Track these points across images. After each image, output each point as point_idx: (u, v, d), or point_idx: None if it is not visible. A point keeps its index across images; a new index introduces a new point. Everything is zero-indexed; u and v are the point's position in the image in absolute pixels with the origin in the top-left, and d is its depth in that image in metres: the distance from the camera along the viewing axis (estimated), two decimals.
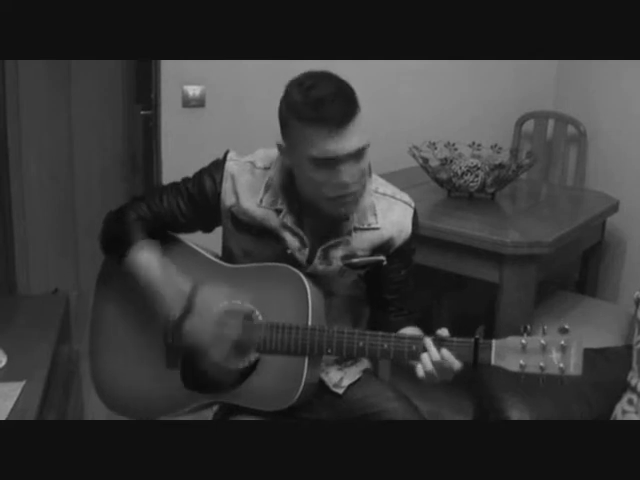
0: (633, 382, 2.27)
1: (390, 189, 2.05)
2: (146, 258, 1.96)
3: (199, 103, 3.56)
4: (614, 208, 3.34)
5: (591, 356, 2.33)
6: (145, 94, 3.76)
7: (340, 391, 2.12)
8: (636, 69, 3.39)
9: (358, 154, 1.81)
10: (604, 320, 3.01)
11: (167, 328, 2.02)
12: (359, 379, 2.15)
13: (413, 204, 2.06)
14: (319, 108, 1.75)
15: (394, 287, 2.08)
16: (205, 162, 2.06)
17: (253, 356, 1.95)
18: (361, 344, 1.90)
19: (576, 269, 3.59)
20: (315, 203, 1.90)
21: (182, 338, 1.95)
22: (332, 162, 1.78)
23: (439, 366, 1.81)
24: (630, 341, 2.44)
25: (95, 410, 2.14)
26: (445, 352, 1.81)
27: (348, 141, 1.78)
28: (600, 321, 2.98)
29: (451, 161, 3.18)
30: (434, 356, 1.81)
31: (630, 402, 2.25)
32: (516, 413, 2.20)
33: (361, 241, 2.00)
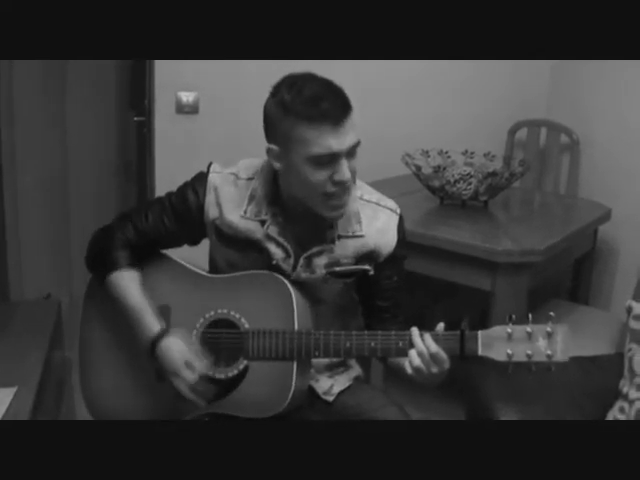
0: (625, 390, 2.27)
1: (375, 196, 2.05)
2: (125, 283, 1.98)
3: (193, 109, 3.57)
4: (606, 216, 3.35)
5: (583, 364, 2.35)
6: (139, 100, 3.76)
7: (330, 399, 2.11)
8: (629, 78, 3.40)
9: (353, 150, 1.83)
10: (596, 328, 3.01)
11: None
12: (350, 386, 2.15)
13: (399, 210, 2.06)
14: (318, 105, 1.77)
15: (388, 294, 2.07)
16: (198, 168, 2.06)
17: (242, 364, 1.95)
18: (348, 344, 1.90)
19: (568, 277, 3.59)
20: (308, 206, 1.90)
21: (154, 357, 1.94)
22: (333, 158, 1.80)
23: (426, 359, 1.82)
24: (622, 349, 2.44)
25: (86, 416, 2.14)
26: (429, 341, 1.82)
27: (347, 136, 1.80)
28: (592, 329, 2.98)
29: (444, 169, 3.18)
30: (419, 347, 1.82)
31: (622, 410, 2.25)
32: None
33: (345, 249, 1.99)
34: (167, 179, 2.18)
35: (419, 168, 3.22)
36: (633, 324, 2.35)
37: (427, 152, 3.31)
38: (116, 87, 4.08)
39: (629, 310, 2.39)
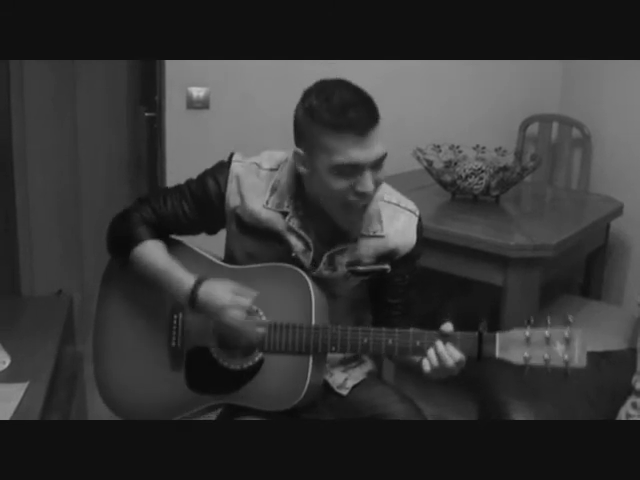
0: (637, 385, 2.27)
1: (395, 197, 2.05)
2: (152, 250, 1.98)
3: (203, 105, 3.56)
4: (618, 211, 3.34)
5: (595, 359, 2.34)
6: (149, 96, 3.76)
7: (344, 392, 2.12)
8: None
9: (379, 162, 1.82)
10: (608, 323, 3.01)
11: (172, 331, 2.03)
12: (363, 381, 2.15)
13: (418, 212, 2.06)
14: (344, 114, 1.75)
15: (399, 291, 2.08)
16: (209, 164, 2.06)
17: (257, 356, 1.95)
18: (365, 340, 1.90)
19: (580, 272, 3.58)
20: (327, 210, 1.90)
21: (196, 306, 1.93)
22: (356, 169, 1.78)
23: (445, 361, 1.82)
24: (634, 344, 2.44)
25: (98, 412, 2.14)
26: (451, 348, 1.82)
27: (372, 148, 1.78)
28: (604, 324, 2.97)
29: (455, 164, 3.18)
30: (440, 352, 1.82)
31: (634, 406, 2.25)
32: (520, 416, 2.20)
33: (367, 248, 1.99)
34: (178, 174, 2.18)
35: (430, 163, 3.22)
36: None
37: (438, 147, 3.31)
38: (127, 83, 4.08)
39: None
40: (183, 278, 1.94)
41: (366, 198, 1.85)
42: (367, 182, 1.80)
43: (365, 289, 2.09)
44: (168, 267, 1.96)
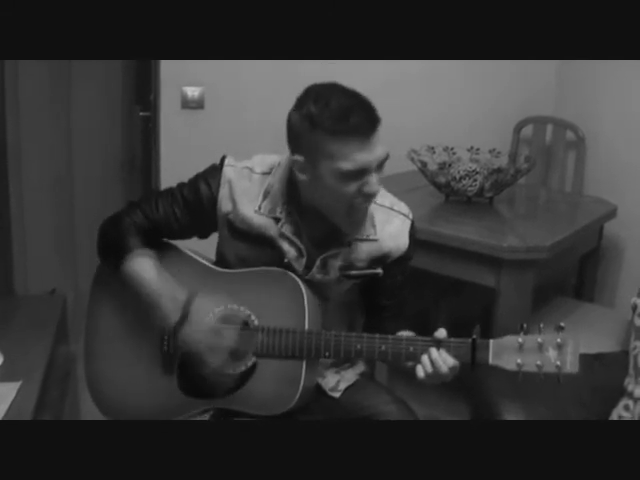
0: (630, 388, 2.27)
1: (388, 200, 2.05)
2: (141, 267, 1.95)
3: (198, 105, 3.57)
4: (612, 214, 3.34)
5: (588, 361, 2.34)
6: (144, 95, 3.76)
7: (337, 395, 2.12)
8: (636, 75, 3.39)
9: (383, 162, 1.82)
10: (601, 325, 3.01)
11: (163, 336, 2.02)
12: (356, 382, 2.15)
13: (411, 215, 2.06)
14: (347, 120, 1.74)
15: (391, 293, 2.08)
16: (204, 164, 2.05)
17: (250, 361, 1.95)
18: (359, 347, 1.90)
19: (573, 274, 3.58)
20: (328, 215, 1.90)
21: (178, 346, 1.95)
22: (363, 172, 1.78)
23: (439, 368, 1.82)
24: (627, 347, 2.44)
25: (91, 411, 2.14)
26: (444, 354, 1.82)
27: (376, 150, 1.78)
28: (597, 326, 2.98)
29: (449, 165, 3.17)
30: (434, 358, 1.82)
31: (626, 408, 2.25)
32: (512, 418, 2.20)
33: (360, 252, 1.99)
34: (172, 174, 2.18)
35: (425, 164, 3.22)
36: (638, 322, 2.35)
37: (432, 148, 3.31)
38: (122, 82, 4.08)
39: (634, 307, 2.39)
40: (166, 310, 1.91)
41: (372, 199, 1.86)
42: (374, 183, 1.81)
43: (357, 292, 2.09)
44: (155, 291, 1.92)
